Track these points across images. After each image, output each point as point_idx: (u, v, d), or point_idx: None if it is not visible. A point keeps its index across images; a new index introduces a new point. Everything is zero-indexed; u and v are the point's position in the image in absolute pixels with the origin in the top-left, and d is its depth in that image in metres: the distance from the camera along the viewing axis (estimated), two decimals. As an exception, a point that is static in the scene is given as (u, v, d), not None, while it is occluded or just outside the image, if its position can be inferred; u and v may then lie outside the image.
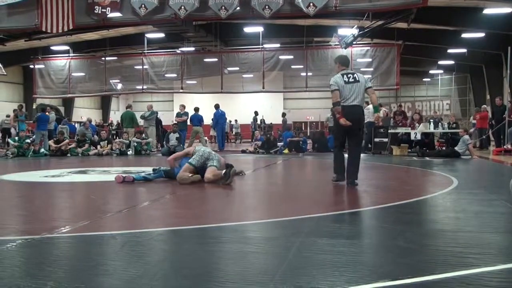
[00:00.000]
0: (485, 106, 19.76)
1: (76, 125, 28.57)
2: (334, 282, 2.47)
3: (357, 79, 6.61)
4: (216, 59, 20.53)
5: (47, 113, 17.77)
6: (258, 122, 29.00)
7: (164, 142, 16.38)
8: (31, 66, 23.36)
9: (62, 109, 33.27)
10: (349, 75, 6.63)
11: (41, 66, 21.84)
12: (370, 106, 17.61)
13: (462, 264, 2.81)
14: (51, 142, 15.63)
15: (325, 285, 2.42)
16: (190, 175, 7.05)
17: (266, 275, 2.60)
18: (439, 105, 32.44)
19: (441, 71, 32.50)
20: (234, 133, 33.41)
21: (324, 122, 22.24)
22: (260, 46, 19.98)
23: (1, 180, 8.25)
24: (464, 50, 23.53)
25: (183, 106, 17.81)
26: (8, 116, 20.44)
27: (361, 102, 6.75)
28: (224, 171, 6.92)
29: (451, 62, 27.67)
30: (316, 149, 17.58)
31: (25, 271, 2.77)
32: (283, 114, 26.94)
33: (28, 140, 15.49)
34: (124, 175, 7.36)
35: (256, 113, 24.83)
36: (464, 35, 20.32)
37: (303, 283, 2.44)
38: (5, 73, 24.70)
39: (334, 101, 6.58)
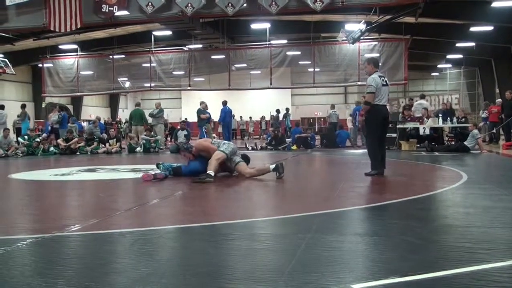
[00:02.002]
0: (500, 100, 19.59)
1: (85, 124, 28.76)
2: (343, 279, 2.46)
3: (387, 82, 7.45)
4: (223, 56, 20.55)
5: (54, 113, 18.04)
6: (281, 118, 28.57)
7: (173, 139, 16.41)
8: (40, 65, 23.50)
9: (70, 107, 33.44)
10: (382, 78, 7.44)
11: (50, 65, 21.98)
12: (423, 101, 17.58)
13: (472, 260, 2.79)
14: (60, 141, 15.72)
15: (334, 282, 2.41)
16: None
17: (275, 272, 2.60)
18: (448, 99, 32.21)
19: (450, 65, 32.28)
20: (240, 129, 33.51)
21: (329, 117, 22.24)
22: (267, 43, 19.97)
23: (11, 179, 8.32)
24: (472, 44, 23.34)
25: (204, 103, 17.59)
26: (19, 116, 20.52)
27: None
28: (273, 166, 7.20)
29: (460, 56, 27.47)
30: (324, 145, 17.54)
31: (36, 269, 2.79)
32: (277, 111, 26.94)
33: (37, 139, 15.59)
34: (153, 173, 7.33)
35: (287, 109, 24.83)
36: (473, 29, 20.15)
37: (312, 280, 2.43)
38: (14, 73, 24.88)
39: (369, 101, 7.29)
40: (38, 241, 3.39)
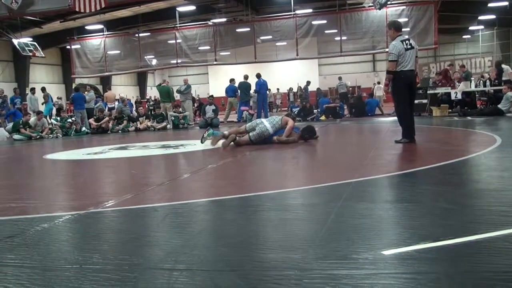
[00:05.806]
0: None
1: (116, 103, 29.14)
2: (374, 246, 2.45)
3: (413, 45, 7.11)
4: (248, 29, 20.39)
5: (86, 93, 18.08)
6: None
7: (201, 115, 16.49)
8: (68, 47, 23.81)
9: (100, 87, 33.88)
10: (406, 42, 7.08)
11: (77, 46, 22.25)
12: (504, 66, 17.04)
13: (506, 223, 2.74)
14: (91, 121, 15.99)
15: (365, 249, 2.40)
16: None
17: (306, 241, 2.61)
18: (480, 62, 31.28)
19: (482, 27, 31.19)
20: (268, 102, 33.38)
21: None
22: (292, 13, 19.68)
23: (46, 159, 8.53)
24: (506, 3, 22.45)
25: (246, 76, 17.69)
26: (59, 98, 20.86)
27: (414, 67, 7.26)
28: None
29: (492, 16, 26.49)
30: (353, 114, 17.36)
31: (72, 244, 2.88)
32: (308, 82, 27.37)
33: (69, 120, 15.89)
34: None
35: (308, 82, 25.18)
36: (506, -13, 19.40)
37: (342, 248, 2.43)
38: (43, 55, 25.30)
39: (390, 69, 7.06)
40: (74, 218, 3.49)
